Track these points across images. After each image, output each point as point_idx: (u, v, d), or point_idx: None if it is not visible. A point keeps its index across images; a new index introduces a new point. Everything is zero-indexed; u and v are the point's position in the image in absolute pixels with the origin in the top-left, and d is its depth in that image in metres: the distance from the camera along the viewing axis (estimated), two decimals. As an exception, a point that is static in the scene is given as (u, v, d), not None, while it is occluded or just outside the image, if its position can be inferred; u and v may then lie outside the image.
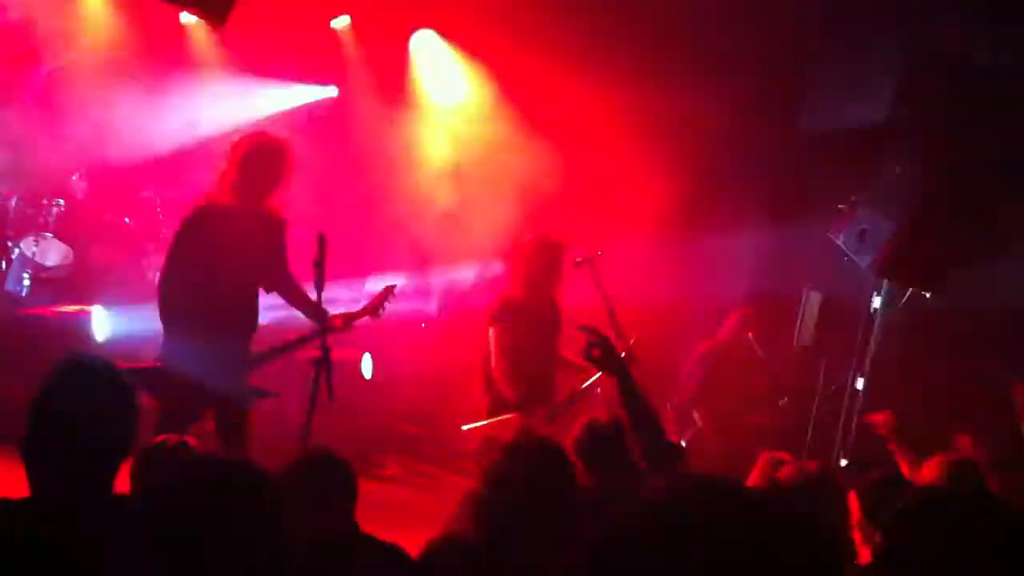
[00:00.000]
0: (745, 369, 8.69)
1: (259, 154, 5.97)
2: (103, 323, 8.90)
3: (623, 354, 4.75)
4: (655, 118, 9.63)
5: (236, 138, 6.13)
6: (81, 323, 8.85)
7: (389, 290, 6.29)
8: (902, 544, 2.40)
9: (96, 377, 2.85)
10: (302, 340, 6.11)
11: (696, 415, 8.38)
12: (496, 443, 3.87)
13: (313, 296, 5.69)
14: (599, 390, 6.51)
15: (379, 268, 9.02)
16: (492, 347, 6.59)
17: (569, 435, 4.53)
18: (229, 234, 5.92)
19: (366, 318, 6.23)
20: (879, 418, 5.59)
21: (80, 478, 2.76)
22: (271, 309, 6.55)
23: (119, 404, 2.85)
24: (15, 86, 10.14)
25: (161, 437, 4.06)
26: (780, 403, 8.65)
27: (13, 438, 2.81)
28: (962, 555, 2.32)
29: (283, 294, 6.29)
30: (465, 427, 6.51)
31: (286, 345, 6.25)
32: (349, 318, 6.11)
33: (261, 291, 6.26)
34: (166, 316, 5.98)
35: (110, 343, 8.71)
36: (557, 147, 9.77)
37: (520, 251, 6.84)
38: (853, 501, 3.87)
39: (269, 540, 2.41)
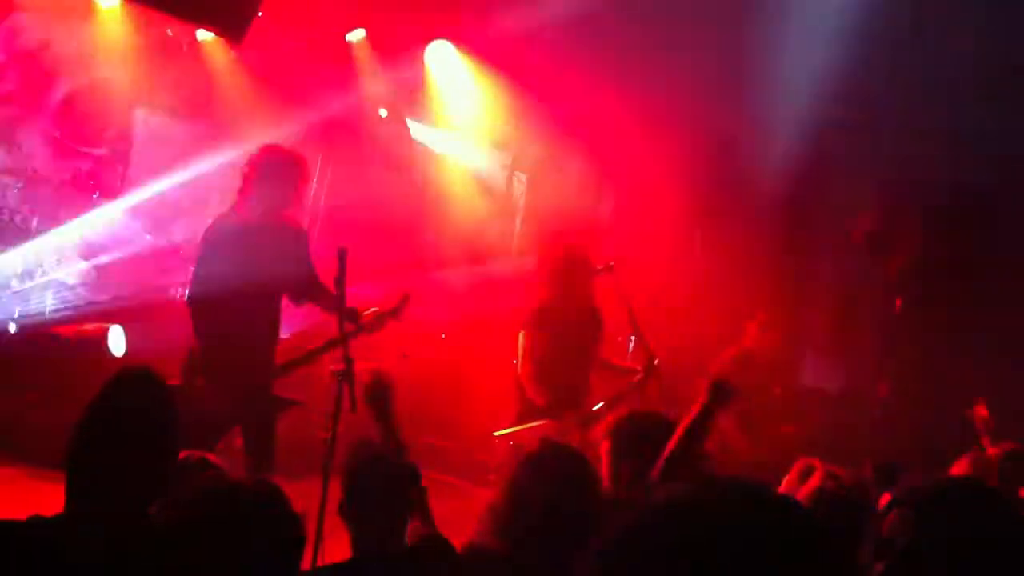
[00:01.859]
0: (770, 374, 8.64)
1: (273, 167, 6.05)
2: (119, 341, 8.92)
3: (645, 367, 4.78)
4: (670, 123, 9.62)
5: (251, 153, 6.19)
6: (99, 341, 8.87)
7: (408, 295, 6.27)
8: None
9: (151, 389, 2.87)
10: (330, 344, 6.04)
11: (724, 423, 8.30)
12: (521, 451, 3.85)
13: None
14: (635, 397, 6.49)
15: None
16: (522, 354, 6.60)
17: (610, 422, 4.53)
18: (248, 248, 5.99)
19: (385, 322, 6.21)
20: (981, 411, 5.46)
21: (122, 493, 2.77)
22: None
23: (169, 417, 2.86)
24: (32, 108, 10.21)
25: (184, 454, 4.05)
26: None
27: (34, 454, 2.83)
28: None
29: (315, 301, 6.31)
30: (497, 433, 6.50)
31: (313, 351, 6.24)
32: (378, 319, 6.08)
33: (288, 302, 6.32)
34: (199, 330, 6.05)
35: (128, 359, 8.75)
36: (576, 156, 9.78)
37: (544, 256, 6.87)
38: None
39: (281, 562, 2.44)
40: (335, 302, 5.92)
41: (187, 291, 6.20)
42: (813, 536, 1.53)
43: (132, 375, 2.92)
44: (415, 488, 3.60)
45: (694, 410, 3.99)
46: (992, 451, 5.20)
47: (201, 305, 6.04)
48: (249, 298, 5.96)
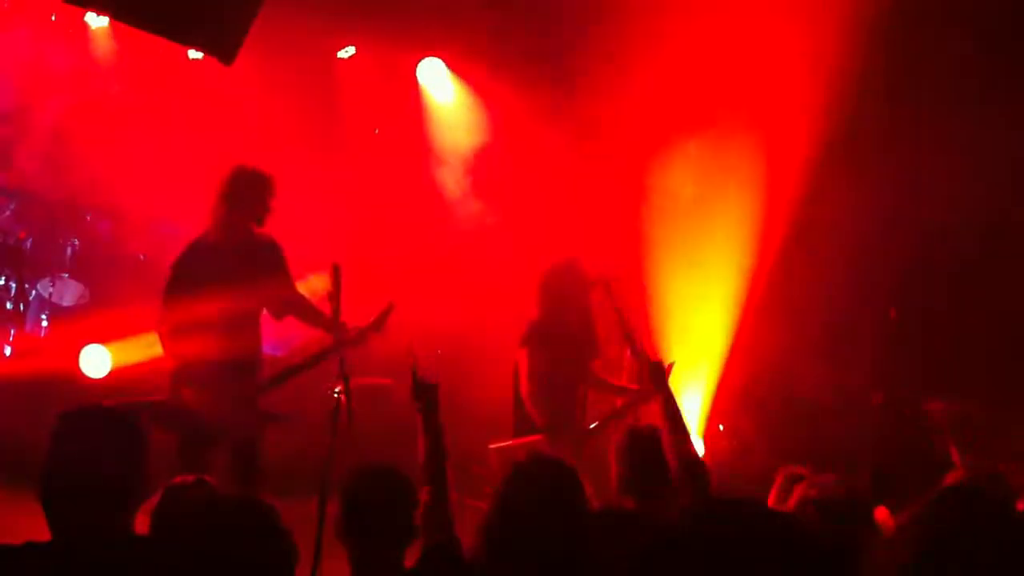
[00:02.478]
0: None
1: (241, 186, 6.15)
2: (96, 360, 8.83)
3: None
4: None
5: (222, 174, 6.26)
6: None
7: (391, 306, 6.26)
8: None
9: (99, 423, 2.90)
10: (317, 358, 6.15)
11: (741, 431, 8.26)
12: (513, 464, 3.86)
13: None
14: (631, 414, 6.48)
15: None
16: (520, 371, 6.61)
17: (611, 443, 4.57)
18: (222, 267, 6.07)
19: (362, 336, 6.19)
20: (936, 407, 5.36)
21: (94, 520, 2.80)
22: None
23: (124, 447, 2.88)
24: (24, 128, 10.22)
25: (179, 478, 4.05)
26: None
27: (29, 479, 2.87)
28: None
29: (295, 315, 6.38)
30: (493, 445, 6.50)
31: (301, 364, 6.29)
32: (363, 332, 6.08)
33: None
34: (171, 351, 6.08)
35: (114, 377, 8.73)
36: (565, 169, 9.81)
37: (539, 274, 6.87)
38: (882, 514, 3.84)
39: None
40: (317, 315, 6.19)
41: (159, 313, 6.18)
42: (818, 557, 1.55)
43: (75, 412, 2.96)
44: (431, 497, 3.61)
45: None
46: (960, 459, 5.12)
47: (174, 325, 6.07)
48: (225, 316, 5.99)
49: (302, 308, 6.35)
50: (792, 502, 3.77)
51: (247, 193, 6.18)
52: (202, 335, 5.96)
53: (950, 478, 4.50)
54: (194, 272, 6.12)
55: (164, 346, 6.13)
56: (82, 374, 8.71)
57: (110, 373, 8.78)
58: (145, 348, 7.92)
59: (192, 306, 5.99)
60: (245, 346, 6.16)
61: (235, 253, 6.13)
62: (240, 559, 2.53)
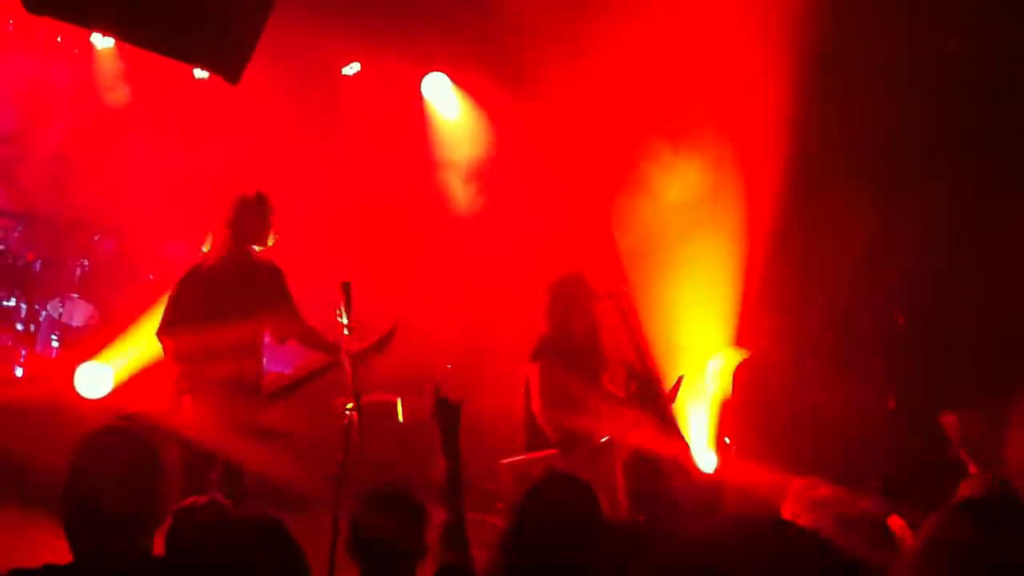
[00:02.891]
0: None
1: (241, 210, 6.26)
2: (91, 378, 8.77)
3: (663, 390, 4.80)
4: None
5: (225, 199, 6.36)
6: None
7: (395, 328, 6.28)
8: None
9: (120, 444, 2.91)
10: (314, 375, 6.44)
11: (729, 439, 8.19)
12: (529, 480, 3.85)
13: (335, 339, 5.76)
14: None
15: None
16: (531, 386, 6.61)
17: (617, 461, 4.56)
18: (223, 289, 6.17)
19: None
20: (949, 419, 5.33)
21: (115, 542, 2.82)
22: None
23: (144, 469, 2.89)
24: (31, 149, 10.27)
25: (190, 500, 4.06)
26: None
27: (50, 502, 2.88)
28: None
29: (296, 339, 6.49)
30: (505, 461, 6.50)
31: (298, 381, 6.49)
32: (365, 351, 6.10)
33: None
34: (175, 367, 6.15)
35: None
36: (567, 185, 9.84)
37: (546, 288, 6.88)
38: (896, 523, 3.83)
39: None
40: (318, 339, 6.34)
41: (160, 331, 6.24)
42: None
43: (97, 435, 2.96)
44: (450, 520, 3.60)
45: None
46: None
47: (176, 346, 6.13)
48: (224, 339, 6.05)
49: (303, 332, 6.45)
50: (811, 517, 3.76)
51: (247, 218, 6.27)
52: (202, 358, 6.02)
53: (965, 488, 4.48)
54: (194, 295, 6.20)
55: (167, 363, 6.19)
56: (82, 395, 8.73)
57: (111, 392, 8.78)
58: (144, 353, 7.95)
59: (191, 329, 6.07)
60: (244, 369, 6.21)
61: (235, 276, 6.22)
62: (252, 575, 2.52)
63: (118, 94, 10.36)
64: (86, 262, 9.83)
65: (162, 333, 6.21)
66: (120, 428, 3.07)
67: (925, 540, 2.31)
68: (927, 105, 8.71)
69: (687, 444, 4.17)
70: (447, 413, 3.92)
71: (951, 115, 8.70)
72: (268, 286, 6.36)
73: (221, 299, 6.13)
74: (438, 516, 3.64)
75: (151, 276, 10.08)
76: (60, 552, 2.87)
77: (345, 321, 5.58)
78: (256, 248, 6.33)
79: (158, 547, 3.22)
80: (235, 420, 5.99)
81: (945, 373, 8.50)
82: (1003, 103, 8.62)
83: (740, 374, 8.71)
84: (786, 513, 4.31)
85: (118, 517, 2.82)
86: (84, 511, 2.82)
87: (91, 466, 2.86)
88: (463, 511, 3.70)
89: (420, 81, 10.77)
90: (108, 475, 2.83)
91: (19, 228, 9.85)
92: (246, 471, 6.10)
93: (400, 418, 9.38)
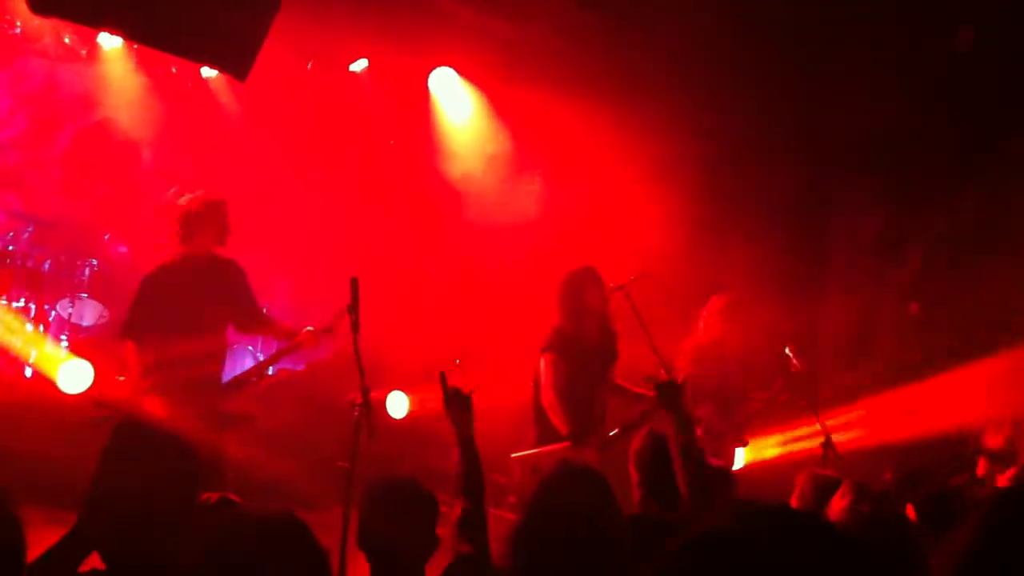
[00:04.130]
0: (732, 358, 8.30)
1: (203, 211, 6.56)
2: (72, 375, 8.68)
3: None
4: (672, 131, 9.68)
5: (182, 201, 6.61)
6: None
7: (342, 312, 6.32)
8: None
9: (150, 444, 2.89)
10: (270, 361, 7.40)
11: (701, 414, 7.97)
12: (541, 473, 3.83)
13: (347, 339, 5.77)
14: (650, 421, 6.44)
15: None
16: (542, 378, 6.61)
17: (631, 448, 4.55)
18: (189, 287, 6.48)
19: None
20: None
21: (143, 544, 2.79)
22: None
23: (174, 469, 2.87)
24: (40, 151, 10.29)
25: (204, 496, 4.05)
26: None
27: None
28: None
29: (256, 329, 7.27)
30: (515, 454, 6.49)
31: (255, 369, 7.34)
32: (312, 336, 6.64)
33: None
34: (137, 367, 6.40)
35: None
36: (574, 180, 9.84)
37: (559, 281, 6.88)
38: (909, 513, 3.82)
39: None
40: (273, 326, 7.03)
41: (123, 330, 6.54)
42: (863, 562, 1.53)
43: (127, 432, 2.96)
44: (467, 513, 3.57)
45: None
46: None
47: (142, 341, 6.39)
48: (192, 331, 6.41)
49: (261, 320, 7.01)
50: (830, 508, 3.73)
51: (211, 217, 6.57)
52: (166, 358, 6.33)
53: (1001, 480, 4.47)
54: (160, 291, 6.48)
55: (131, 360, 6.45)
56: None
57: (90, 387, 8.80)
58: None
59: (157, 330, 6.38)
60: (208, 363, 6.55)
61: (198, 272, 6.54)
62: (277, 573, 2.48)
63: (126, 95, 10.36)
64: (95, 262, 9.84)
65: (127, 335, 6.49)
66: (146, 427, 3.04)
67: (959, 534, 2.27)
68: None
69: (698, 436, 4.16)
70: (459, 403, 3.90)
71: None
72: (229, 282, 6.73)
73: (185, 294, 6.44)
74: (452, 508, 3.63)
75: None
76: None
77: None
78: (215, 246, 6.63)
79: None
80: (198, 411, 6.13)
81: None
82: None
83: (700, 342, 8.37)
84: (795, 502, 4.30)
85: (146, 518, 2.79)
86: (110, 513, 2.78)
87: (119, 465, 2.83)
88: (482, 500, 3.68)
89: (427, 76, 10.77)
90: (137, 475, 2.80)
91: (29, 229, 9.87)
92: (228, 463, 6.34)
93: (394, 414, 9.29)
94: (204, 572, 2.46)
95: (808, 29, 9.06)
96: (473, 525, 3.61)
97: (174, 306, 6.41)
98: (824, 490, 4.05)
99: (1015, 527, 2.25)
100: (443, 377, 3.97)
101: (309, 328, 6.68)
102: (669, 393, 4.17)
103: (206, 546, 2.52)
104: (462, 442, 3.82)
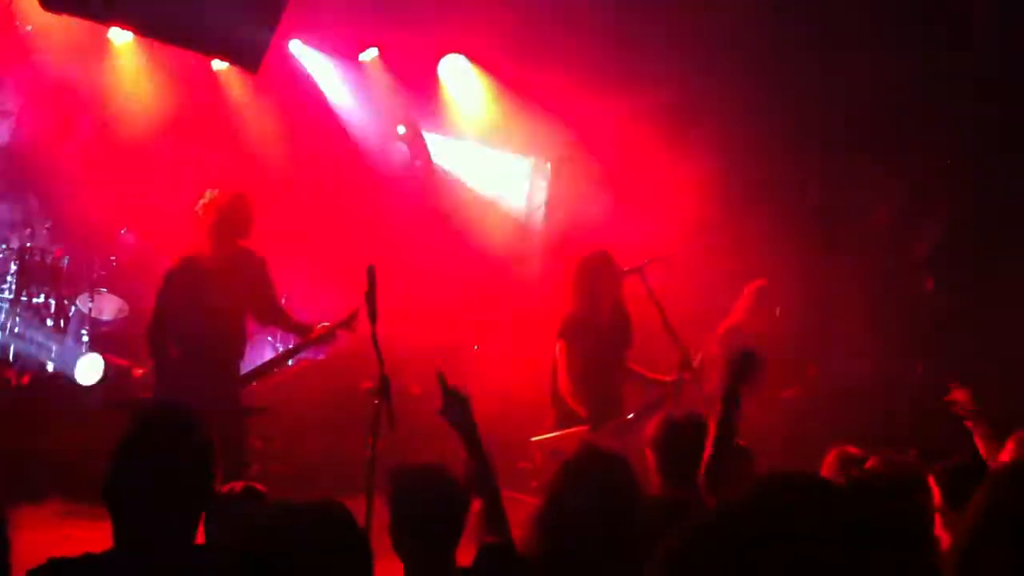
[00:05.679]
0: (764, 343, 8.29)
1: (226, 206, 6.62)
2: (86, 367, 9.01)
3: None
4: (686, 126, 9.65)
5: (207, 197, 6.69)
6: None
7: (359, 308, 6.34)
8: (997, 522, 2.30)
9: (173, 429, 2.88)
10: (288, 355, 7.66)
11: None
12: (561, 457, 3.82)
13: (367, 326, 5.79)
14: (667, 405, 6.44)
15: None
16: (559, 363, 6.63)
17: (648, 429, 4.54)
18: (215, 280, 6.56)
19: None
20: (959, 396, 5.31)
21: (162, 528, 2.78)
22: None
23: (195, 455, 2.87)
24: (55, 147, 10.32)
25: (227, 486, 4.06)
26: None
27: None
28: None
29: (275, 323, 7.38)
30: (534, 439, 6.52)
31: (273, 362, 7.56)
32: (329, 332, 6.74)
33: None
34: (160, 358, 6.59)
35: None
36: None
37: (572, 267, 6.88)
38: (932, 481, 3.81)
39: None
40: (290, 321, 7.06)
41: (151, 322, 6.66)
42: (887, 525, 1.54)
43: (149, 416, 2.96)
44: (487, 505, 3.56)
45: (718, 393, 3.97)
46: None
47: (166, 330, 6.56)
48: (217, 322, 6.57)
49: (281, 318, 7.09)
50: (847, 477, 3.73)
51: (234, 211, 6.64)
52: (190, 341, 6.52)
53: (1005, 454, 4.45)
54: (186, 284, 6.57)
55: (157, 348, 6.60)
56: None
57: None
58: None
59: (183, 315, 6.49)
60: (229, 349, 6.72)
61: (223, 265, 6.60)
62: (330, 561, 2.43)
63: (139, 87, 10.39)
64: (114, 258, 9.89)
65: (153, 328, 6.60)
66: (168, 412, 3.02)
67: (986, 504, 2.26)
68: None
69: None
70: (456, 405, 3.80)
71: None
72: (257, 275, 6.82)
73: (210, 287, 6.53)
74: (475, 505, 3.60)
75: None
76: (94, 546, 2.85)
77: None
78: (239, 239, 6.71)
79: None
80: (216, 401, 6.16)
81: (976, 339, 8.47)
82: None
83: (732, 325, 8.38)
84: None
85: (167, 501, 2.79)
86: (130, 494, 2.77)
87: (142, 448, 2.82)
88: (497, 497, 3.66)
89: (437, 63, 10.76)
90: (159, 458, 2.80)
91: (47, 225, 9.92)
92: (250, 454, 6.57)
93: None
94: (244, 561, 2.40)
95: (831, 9, 9.00)
96: (493, 519, 3.60)
97: (200, 300, 6.51)
98: (850, 466, 4.05)
99: (1017, 502, 2.25)
100: (442, 378, 3.84)
101: (324, 324, 6.75)
102: (746, 363, 4.03)
103: (243, 535, 2.47)
104: (468, 444, 3.73)
